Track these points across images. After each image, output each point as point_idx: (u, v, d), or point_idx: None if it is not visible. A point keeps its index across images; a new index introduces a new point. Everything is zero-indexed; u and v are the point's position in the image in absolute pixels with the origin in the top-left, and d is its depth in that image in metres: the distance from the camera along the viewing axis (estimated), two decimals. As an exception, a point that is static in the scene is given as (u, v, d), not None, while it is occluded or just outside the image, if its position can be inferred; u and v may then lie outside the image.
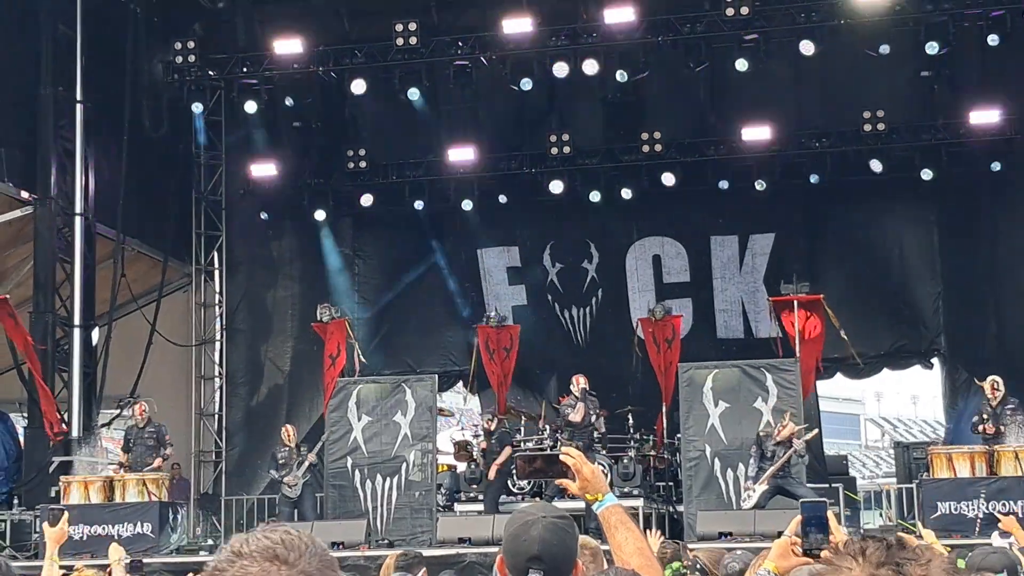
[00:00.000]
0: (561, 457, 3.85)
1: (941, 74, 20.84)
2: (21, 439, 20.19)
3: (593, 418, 17.27)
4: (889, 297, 21.89)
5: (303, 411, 22.04)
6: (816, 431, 17.11)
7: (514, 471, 17.59)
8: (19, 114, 19.74)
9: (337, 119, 22.55)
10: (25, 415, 19.91)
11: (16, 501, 18.55)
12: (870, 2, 19.60)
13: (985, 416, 16.28)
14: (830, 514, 3.78)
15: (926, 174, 20.93)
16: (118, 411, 19.23)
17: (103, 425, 20.46)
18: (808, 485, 16.58)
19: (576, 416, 17.11)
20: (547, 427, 18.61)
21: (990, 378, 16.59)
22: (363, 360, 19.49)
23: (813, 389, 19.42)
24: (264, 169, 22.41)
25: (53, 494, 17.60)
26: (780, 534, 3.80)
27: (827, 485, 18.82)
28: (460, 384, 23.32)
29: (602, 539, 4.44)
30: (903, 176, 21.11)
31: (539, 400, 21.18)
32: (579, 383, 17.34)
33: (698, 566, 6.39)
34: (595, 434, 17.53)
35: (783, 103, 21.24)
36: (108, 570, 5.85)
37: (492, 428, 18.31)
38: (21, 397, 19.70)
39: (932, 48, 19.61)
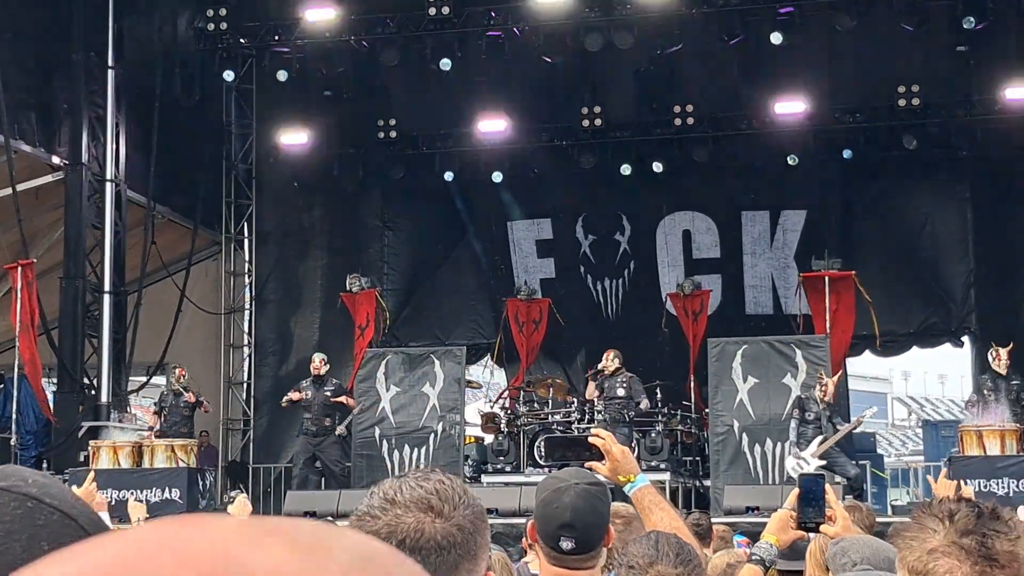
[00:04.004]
0: (590, 439, 3.81)
1: (978, 49, 20.60)
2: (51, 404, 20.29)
3: (621, 392, 17.06)
4: (920, 274, 21.70)
5: (331, 381, 22.04)
6: (875, 409, 17.11)
7: (540, 451, 17.52)
8: (49, 79, 19.74)
9: (368, 89, 22.45)
10: (55, 380, 20.02)
11: (45, 465, 18.64)
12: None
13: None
14: (828, 488, 3.75)
15: (961, 151, 20.73)
16: (147, 378, 19.28)
17: (132, 392, 20.54)
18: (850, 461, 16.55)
19: (589, 393, 17.14)
20: (575, 401, 18.51)
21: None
22: (386, 331, 19.44)
23: (843, 369, 19.28)
24: (295, 138, 22.36)
25: (82, 459, 17.66)
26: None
27: (854, 462, 18.75)
28: (488, 357, 23.31)
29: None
30: (937, 152, 20.93)
31: (565, 373, 21.12)
32: (604, 360, 17.25)
33: None
34: (630, 411, 17.22)
35: (817, 77, 21.01)
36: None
37: (322, 374, 17.96)
38: (51, 362, 19.77)
39: (969, 23, 19.41)
